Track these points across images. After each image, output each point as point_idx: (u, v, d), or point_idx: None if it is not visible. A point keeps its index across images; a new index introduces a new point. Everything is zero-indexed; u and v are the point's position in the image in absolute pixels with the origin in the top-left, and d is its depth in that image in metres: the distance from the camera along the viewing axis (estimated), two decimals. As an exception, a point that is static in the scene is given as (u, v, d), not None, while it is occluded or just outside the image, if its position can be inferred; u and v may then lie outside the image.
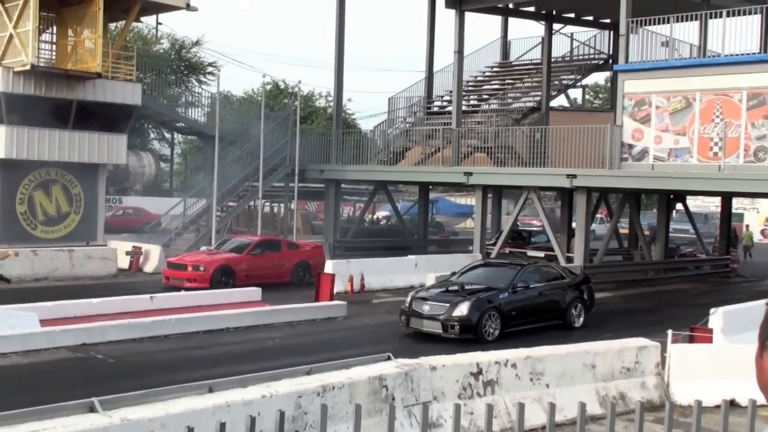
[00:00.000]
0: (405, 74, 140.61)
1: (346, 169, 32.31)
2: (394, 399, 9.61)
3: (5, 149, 26.47)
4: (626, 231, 34.57)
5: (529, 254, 27.85)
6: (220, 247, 25.40)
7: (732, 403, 8.59)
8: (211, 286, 22.49)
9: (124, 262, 27.03)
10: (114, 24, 31.48)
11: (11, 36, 26.66)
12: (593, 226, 33.71)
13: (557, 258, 25.74)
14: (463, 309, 16.77)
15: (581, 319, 19.04)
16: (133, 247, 27.83)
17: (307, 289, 22.34)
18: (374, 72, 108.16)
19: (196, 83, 47.95)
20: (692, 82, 23.17)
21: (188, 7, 29.69)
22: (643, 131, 23.94)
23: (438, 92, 35.29)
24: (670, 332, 13.76)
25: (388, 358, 10.58)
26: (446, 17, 36.02)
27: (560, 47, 36.21)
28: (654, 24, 24.78)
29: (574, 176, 24.85)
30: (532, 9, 34.00)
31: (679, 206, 33.96)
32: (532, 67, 35.99)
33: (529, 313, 18.00)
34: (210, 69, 48.97)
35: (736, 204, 43.71)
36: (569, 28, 36.23)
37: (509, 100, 34.55)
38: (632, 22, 24.60)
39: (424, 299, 17.49)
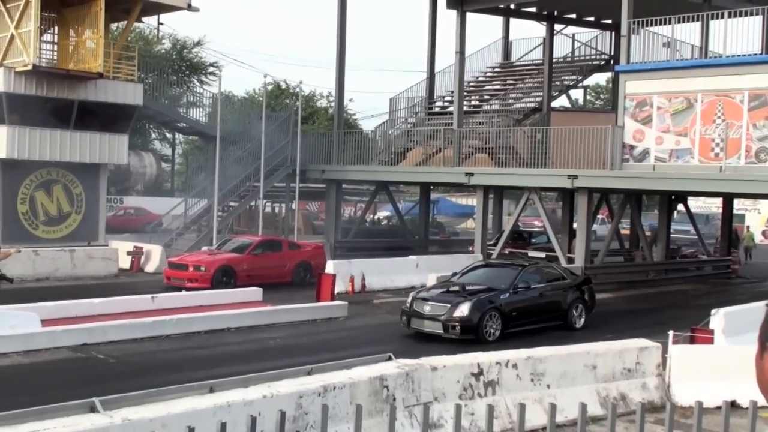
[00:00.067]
0: (406, 75, 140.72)
1: (348, 170, 32.31)
2: (395, 399, 9.61)
3: (7, 149, 26.48)
4: (627, 232, 34.55)
5: (530, 255, 27.84)
6: (221, 247, 25.41)
7: (733, 405, 8.59)
8: (212, 286, 22.50)
9: (125, 262, 27.04)
10: (115, 24, 31.49)
11: (13, 36, 26.67)
12: (594, 226, 33.71)
13: (558, 258, 25.73)
14: (464, 309, 16.77)
15: (582, 320, 19.04)
16: (135, 247, 27.85)
17: (308, 289, 22.34)
18: (375, 72, 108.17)
19: (198, 83, 48.00)
20: (694, 83, 23.16)
21: (189, 7, 29.69)
22: (644, 132, 23.94)
23: (439, 93, 35.29)
24: (671, 333, 13.76)
25: (389, 359, 10.58)
26: (447, 18, 36.12)
27: (562, 48, 36.23)
28: (655, 25, 24.77)
29: (575, 177, 24.85)
30: (533, 10, 34.00)
31: (681, 207, 33.93)
32: (534, 67, 35.99)
33: (530, 313, 18.00)
34: (211, 69, 49.04)
35: (738, 205, 43.69)
36: (571, 29, 36.25)
37: (510, 101, 34.55)
38: (634, 22, 24.59)
39: (425, 300, 17.49)
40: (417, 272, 24.92)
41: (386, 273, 24.95)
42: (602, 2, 29.95)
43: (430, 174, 31.41)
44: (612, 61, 33.40)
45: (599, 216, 40.49)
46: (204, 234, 30.86)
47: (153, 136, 52.37)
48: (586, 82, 42.14)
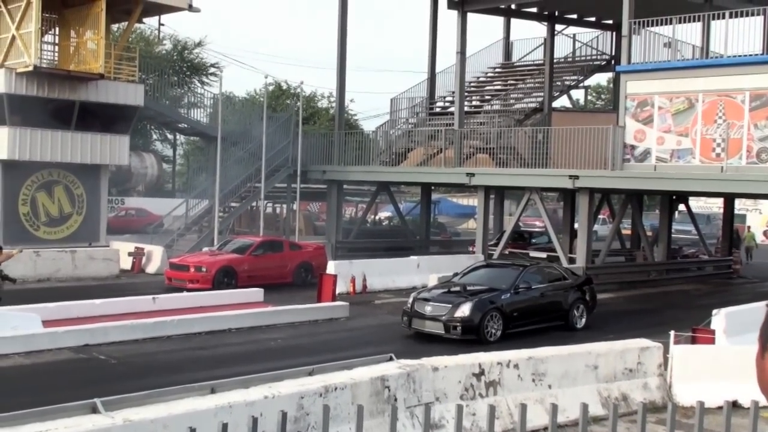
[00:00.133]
0: (407, 75, 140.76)
1: (349, 170, 32.31)
2: (396, 400, 9.61)
3: (8, 150, 26.50)
4: (629, 232, 34.54)
5: (531, 255, 27.83)
6: (222, 248, 25.41)
7: (734, 405, 8.59)
8: (213, 287, 22.50)
9: (126, 263, 27.04)
10: (116, 25, 31.50)
11: (14, 37, 26.68)
12: (595, 227, 33.68)
13: (559, 259, 25.73)
14: (465, 310, 16.77)
15: (583, 320, 19.04)
16: (136, 248, 27.85)
17: (309, 290, 22.34)
18: (376, 73, 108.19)
19: (199, 84, 48.01)
20: (695, 83, 23.15)
21: (190, 8, 29.70)
22: (645, 132, 23.93)
23: (440, 93, 35.30)
24: (672, 333, 13.75)
25: (391, 359, 10.58)
26: (448, 18, 36.09)
27: (563, 48, 36.23)
28: (656, 25, 24.76)
29: (576, 177, 24.84)
30: (534, 10, 34.00)
31: (682, 207, 33.91)
32: (535, 67, 35.99)
33: (532, 313, 17.99)
34: (212, 70, 49.05)
35: (739, 205, 43.66)
36: (572, 29, 36.24)
37: (511, 101, 34.55)
38: (635, 23, 24.59)
39: (426, 300, 17.49)
40: (418, 273, 24.91)
41: (387, 273, 24.95)
42: (603, 2, 29.94)
43: (431, 174, 31.40)
44: (613, 62, 33.39)
45: (600, 216, 40.46)
46: (205, 235, 30.86)
47: (154, 136, 52.40)
48: (587, 83, 42.16)
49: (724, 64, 23.00)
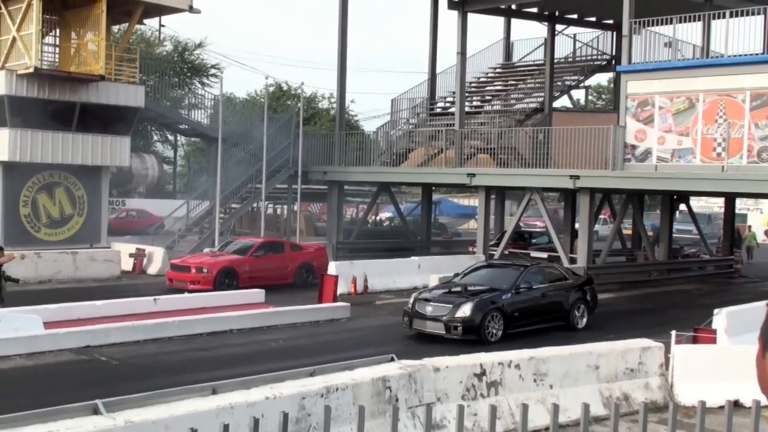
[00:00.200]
0: (408, 76, 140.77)
1: (349, 171, 32.32)
2: (397, 400, 9.61)
3: (9, 152, 26.52)
4: (629, 232, 34.53)
5: (532, 255, 27.83)
6: (223, 249, 25.41)
7: (736, 404, 8.58)
8: (214, 288, 22.51)
9: (127, 264, 27.04)
10: (117, 26, 31.53)
11: (14, 39, 26.71)
12: (596, 227, 33.66)
13: (560, 259, 25.73)
14: (465, 310, 16.77)
15: (584, 320, 19.03)
16: (137, 249, 27.85)
17: (310, 290, 22.34)
18: (377, 73, 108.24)
19: (199, 85, 48.05)
20: (695, 82, 23.16)
21: (191, 9, 29.72)
22: (646, 132, 23.93)
23: (441, 93, 35.30)
24: (673, 333, 13.75)
25: (392, 360, 10.58)
26: (449, 18, 36.11)
27: (563, 48, 36.24)
28: (657, 25, 24.76)
29: (577, 177, 24.85)
30: (534, 10, 34.01)
31: (683, 207, 33.90)
32: (535, 68, 36.00)
33: (532, 314, 17.98)
34: (213, 71, 49.08)
35: (740, 204, 43.66)
36: (572, 29, 36.26)
37: (512, 101, 34.55)
38: (635, 22, 24.59)
39: (427, 300, 17.48)
40: (419, 273, 24.91)
41: (388, 274, 24.95)
42: (603, 2, 29.94)
43: (431, 175, 31.41)
44: (613, 61, 33.40)
45: (601, 216, 40.46)
46: (206, 236, 30.87)
47: (155, 138, 52.43)
48: (587, 83, 42.17)
49: (725, 63, 23.00)
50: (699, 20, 25.08)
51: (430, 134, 31.95)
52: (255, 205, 35.70)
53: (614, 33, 33.80)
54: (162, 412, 7.88)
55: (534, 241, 31.85)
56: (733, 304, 17.06)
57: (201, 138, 40.34)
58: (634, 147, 24.13)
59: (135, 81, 29.42)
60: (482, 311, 16.82)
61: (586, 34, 36.20)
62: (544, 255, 27.58)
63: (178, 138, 51.50)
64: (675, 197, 31.00)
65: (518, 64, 37.40)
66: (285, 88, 54.76)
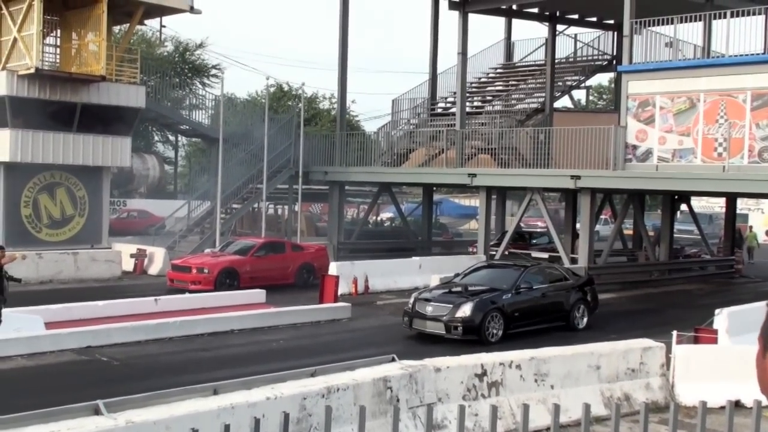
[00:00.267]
0: (409, 76, 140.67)
1: (350, 171, 32.33)
2: (398, 401, 9.61)
3: (10, 152, 26.53)
4: (630, 232, 34.52)
5: (533, 255, 27.82)
6: (224, 250, 25.42)
7: (737, 404, 8.58)
8: (215, 289, 22.52)
9: (128, 265, 27.06)
10: (118, 27, 31.55)
11: (15, 39, 26.72)
12: (597, 227, 33.66)
13: (561, 259, 25.72)
14: (466, 310, 16.77)
15: (585, 321, 19.02)
16: (138, 249, 27.87)
17: (311, 291, 22.35)
18: (378, 74, 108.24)
19: (200, 86, 48.05)
20: (696, 82, 23.15)
21: (192, 9, 29.73)
22: (647, 132, 23.93)
23: (442, 94, 35.30)
24: (674, 333, 13.75)
25: (393, 360, 10.58)
26: (449, 19, 36.10)
27: (564, 48, 36.24)
28: (658, 25, 24.76)
29: (578, 177, 24.84)
30: (535, 10, 34.00)
31: (684, 207, 33.89)
32: (536, 68, 35.99)
33: (533, 314, 17.98)
34: (214, 71, 49.08)
35: (741, 205, 43.63)
36: (573, 29, 36.25)
37: (513, 102, 34.53)
38: (636, 23, 24.59)
39: (427, 300, 17.48)
40: (420, 273, 24.91)
41: (389, 274, 24.96)
42: (604, 2, 29.93)
43: (432, 175, 31.41)
44: (614, 62, 33.40)
45: (602, 216, 40.45)
46: (207, 236, 30.88)
47: (156, 138, 52.43)
48: (588, 83, 42.15)
49: (726, 63, 23.00)
50: (700, 20, 25.07)
51: (431, 134, 31.95)
52: (256, 205, 35.70)
53: (615, 33, 33.79)
54: (163, 413, 7.88)
55: (534, 241, 31.84)
56: (734, 305, 17.05)
57: (202, 138, 40.33)
58: (635, 147, 24.13)
59: (136, 81, 29.43)
60: (482, 311, 16.82)
61: (586, 34, 36.20)
62: (545, 255, 27.58)
63: (179, 138, 51.52)
64: (676, 197, 30.99)
65: (519, 64, 37.40)
66: (286, 88, 54.76)
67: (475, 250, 29.44)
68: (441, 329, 16.88)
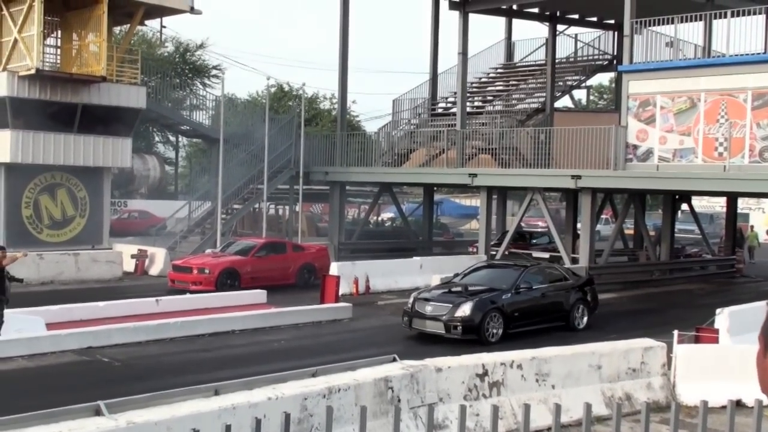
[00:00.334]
0: (409, 76, 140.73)
1: (351, 171, 32.33)
2: (399, 401, 9.61)
3: (11, 153, 26.55)
4: (631, 232, 34.51)
5: (534, 255, 27.82)
6: (225, 250, 25.42)
7: (738, 404, 8.58)
8: (216, 289, 22.52)
9: (129, 266, 27.06)
10: (118, 28, 31.59)
11: (16, 40, 26.74)
12: (598, 227, 33.63)
13: (562, 259, 25.72)
14: (465, 309, 16.75)
15: (584, 321, 18.99)
16: (139, 250, 27.87)
17: (312, 291, 22.35)
18: (378, 74, 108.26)
19: (201, 86, 48.04)
20: (697, 82, 23.15)
21: (192, 10, 29.75)
22: (647, 132, 23.92)
23: (442, 94, 35.30)
24: (676, 333, 13.75)
25: (394, 360, 10.58)
26: (450, 19, 36.10)
27: (564, 48, 36.23)
28: (658, 24, 24.76)
29: (578, 177, 24.84)
30: (536, 10, 34.00)
31: (685, 206, 33.87)
32: (537, 68, 35.98)
33: (532, 314, 17.96)
34: (214, 72, 49.06)
35: (742, 204, 43.61)
36: (573, 29, 36.24)
37: (513, 102, 34.54)
38: (636, 22, 24.58)
39: (427, 300, 17.47)
40: (421, 273, 24.91)
41: (390, 274, 24.96)
42: (605, 2, 29.93)
43: (433, 175, 31.41)
44: (615, 61, 33.39)
45: (603, 216, 40.43)
46: (208, 237, 30.88)
47: (156, 139, 52.44)
48: (589, 83, 42.16)
49: (726, 63, 22.99)
50: (700, 20, 25.07)
51: (431, 134, 31.96)
52: (257, 205, 35.71)
53: (615, 33, 33.78)
54: (164, 413, 7.88)
55: (535, 241, 31.84)
56: (735, 304, 17.05)
57: (202, 139, 40.34)
58: (635, 147, 24.12)
59: (136, 82, 29.44)
60: (482, 311, 16.81)
61: (587, 34, 36.20)
62: (546, 255, 27.58)
63: (180, 139, 51.51)
64: (677, 197, 30.99)
65: (519, 64, 37.39)
66: (286, 88, 54.77)
67: (475, 249, 29.43)
68: (440, 329, 16.86)
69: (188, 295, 20.85)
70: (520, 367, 11.05)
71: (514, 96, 34.98)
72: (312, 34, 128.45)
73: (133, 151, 32.66)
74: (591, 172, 24.81)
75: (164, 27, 46.71)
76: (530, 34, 51.10)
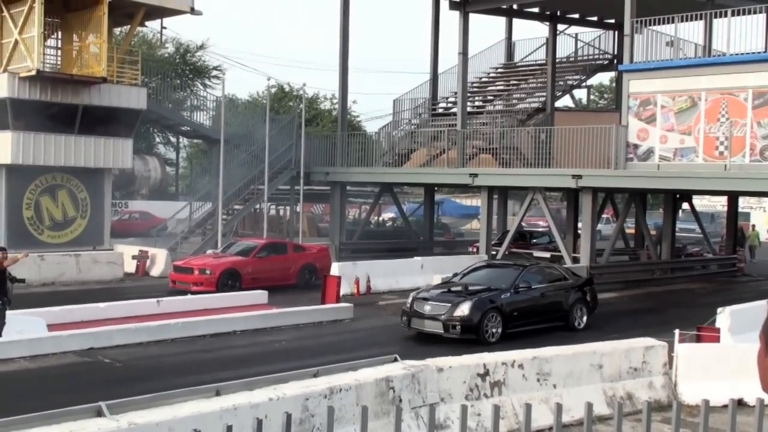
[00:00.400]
0: (409, 76, 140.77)
1: (352, 171, 32.33)
2: (401, 401, 9.61)
3: (12, 155, 26.56)
4: (632, 231, 34.51)
5: (535, 255, 27.81)
6: (226, 251, 25.42)
7: (740, 403, 8.57)
8: (217, 290, 22.52)
9: (130, 267, 27.05)
10: (119, 29, 31.62)
11: (16, 42, 26.75)
12: (599, 226, 33.62)
13: (563, 258, 25.71)
14: (464, 309, 16.73)
15: (584, 321, 18.95)
16: (140, 251, 27.87)
17: (313, 291, 22.34)
18: (379, 74, 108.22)
19: (201, 87, 48.04)
20: (697, 81, 23.14)
21: (193, 11, 29.76)
22: (648, 131, 23.92)
23: (443, 94, 35.30)
24: (677, 332, 13.74)
25: (395, 360, 10.58)
26: (450, 19, 36.08)
27: (565, 48, 36.24)
28: (658, 24, 24.76)
29: (579, 177, 24.83)
30: (536, 10, 34.00)
31: (686, 206, 33.87)
32: (537, 67, 35.98)
33: (532, 313, 17.93)
34: (215, 72, 49.07)
35: (743, 203, 43.59)
36: (574, 29, 36.25)
37: (514, 101, 34.54)
38: (637, 22, 24.58)
39: (426, 299, 17.45)
40: (422, 273, 24.90)
41: (391, 274, 24.95)
42: (605, 2, 29.94)
43: (434, 175, 31.42)
44: (615, 61, 33.39)
45: (604, 215, 40.42)
46: (209, 237, 30.88)
47: (157, 140, 52.44)
48: (589, 82, 42.14)
49: (727, 62, 22.99)
50: (701, 19, 25.07)
51: (432, 134, 31.96)
52: (257, 206, 35.72)
53: (616, 32, 33.78)
54: (166, 414, 7.88)
55: (536, 240, 31.83)
56: (736, 303, 17.04)
57: (203, 140, 40.35)
58: (636, 146, 24.12)
59: (137, 83, 29.45)
60: (481, 310, 16.78)
61: (587, 33, 36.20)
62: (547, 255, 27.58)
63: (181, 140, 51.50)
64: (678, 196, 30.98)
65: (520, 64, 37.40)
66: (287, 89, 54.77)
67: (475, 249, 29.42)
68: (439, 328, 16.84)
69: (189, 296, 20.84)
70: (521, 366, 11.05)
71: (514, 96, 34.98)
72: (312, 34, 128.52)
73: (134, 152, 32.66)
74: (592, 172, 24.80)
75: (165, 28, 46.70)
76: (530, 33, 51.16)
